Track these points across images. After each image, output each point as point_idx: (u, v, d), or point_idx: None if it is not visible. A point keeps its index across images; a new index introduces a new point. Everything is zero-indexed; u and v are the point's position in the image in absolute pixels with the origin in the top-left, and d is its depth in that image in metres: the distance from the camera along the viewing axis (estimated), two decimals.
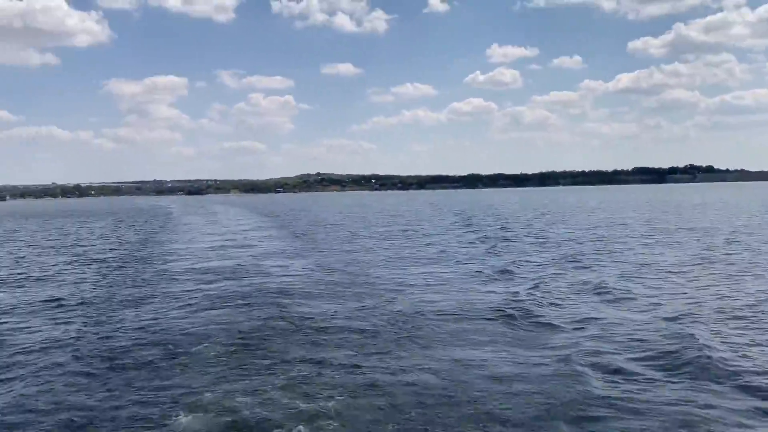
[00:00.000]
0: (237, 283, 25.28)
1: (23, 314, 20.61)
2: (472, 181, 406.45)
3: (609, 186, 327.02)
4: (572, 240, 41.61)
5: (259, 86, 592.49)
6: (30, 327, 18.62)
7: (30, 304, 22.43)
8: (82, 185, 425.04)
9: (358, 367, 13.56)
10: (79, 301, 22.70)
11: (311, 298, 21.95)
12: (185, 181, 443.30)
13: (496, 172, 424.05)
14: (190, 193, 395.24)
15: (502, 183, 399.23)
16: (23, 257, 39.80)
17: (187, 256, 36.74)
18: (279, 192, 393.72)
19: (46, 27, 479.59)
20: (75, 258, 38.50)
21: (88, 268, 32.57)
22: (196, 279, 27.12)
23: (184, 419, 10.84)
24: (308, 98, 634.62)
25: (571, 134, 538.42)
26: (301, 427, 10.42)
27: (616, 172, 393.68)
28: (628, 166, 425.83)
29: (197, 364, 14.13)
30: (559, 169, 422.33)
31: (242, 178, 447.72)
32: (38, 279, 29.01)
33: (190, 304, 21.10)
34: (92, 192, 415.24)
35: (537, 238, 43.84)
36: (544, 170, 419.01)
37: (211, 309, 20.19)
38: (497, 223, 59.77)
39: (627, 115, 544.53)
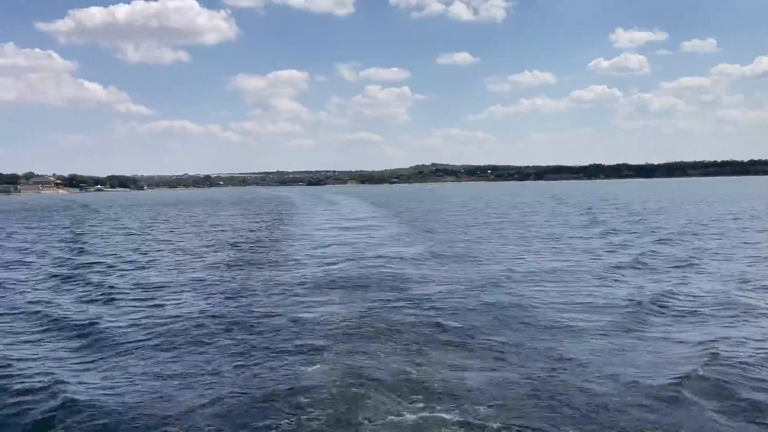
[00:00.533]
0: (355, 267, 26.96)
1: (172, 291, 23.29)
2: (594, 171, 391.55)
3: (744, 177, 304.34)
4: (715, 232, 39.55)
5: (376, 78, 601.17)
6: (179, 300, 21.17)
7: (175, 282, 25.14)
8: (212, 176, 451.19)
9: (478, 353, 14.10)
10: (218, 279, 25.27)
11: (428, 282, 22.97)
12: (305, 172, 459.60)
13: (620, 162, 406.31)
14: (309, 183, 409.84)
15: (626, 174, 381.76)
16: (168, 240, 44.26)
17: (309, 241, 39.32)
18: (394, 183, 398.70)
19: (179, 26, 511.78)
20: (213, 241, 42.48)
21: (224, 251, 35.74)
22: (317, 262, 29.21)
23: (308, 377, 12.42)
24: (424, 89, 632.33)
25: (702, 122, 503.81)
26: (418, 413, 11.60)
27: (752, 162, 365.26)
28: (766, 155, 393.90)
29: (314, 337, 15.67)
30: (688, 159, 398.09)
31: (359, 169, 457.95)
32: (182, 261, 32.40)
33: (308, 286, 23.09)
34: (221, 182, 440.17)
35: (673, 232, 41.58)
36: (671, 160, 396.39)
37: (331, 291, 21.92)
38: (630, 218, 57.58)
39: (766, 101, 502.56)
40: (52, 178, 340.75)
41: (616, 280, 23.23)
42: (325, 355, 14.24)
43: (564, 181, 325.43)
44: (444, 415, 10.70)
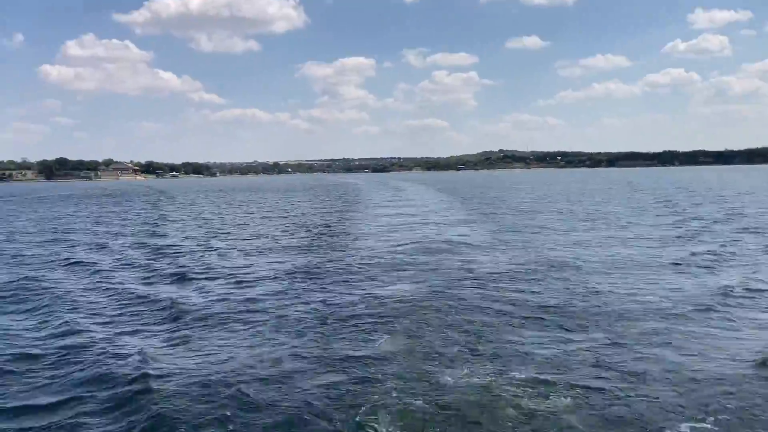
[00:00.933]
0: (422, 249, 27.69)
1: (250, 271, 24.20)
2: (668, 158, 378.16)
3: None
4: None
5: (443, 63, 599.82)
6: (256, 280, 22.11)
7: (254, 264, 26.12)
8: (280, 163, 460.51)
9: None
10: (292, 260, 26.29)
11: (495, 264, 23.26)
12: (370, 159, 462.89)
13: (696, 149, 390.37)
14: (374, 170, 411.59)
15: (702, 161, 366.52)
16: (245, 224, 46.17)
17: (377, 224, 40.25)
18: (460, 169, 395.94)
19: (250, 15, 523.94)
20: (288, 224, 44.27)
21: (298, 234, 37.17)
22: (386, 245, 29.96)
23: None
24: (492, 74, 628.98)
25: None
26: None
27: None
28: None
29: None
30: None
31: (424, 156, 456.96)
32: (259, 243, 33.67)
33: (378, 265, 24.00)
34: (289, 169, 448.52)
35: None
36: (752, 146, 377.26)
37: (400, 271, 22.62)
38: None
39: None
40: (130, 165, 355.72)
41: (694, 270, 22.61)
42: (397, 327, 15.03)
43: (637, 168, 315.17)
44: (514, 374, 11.75)
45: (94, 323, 16.87)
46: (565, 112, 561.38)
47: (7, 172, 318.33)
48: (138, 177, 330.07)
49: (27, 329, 16.48)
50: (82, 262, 27.94)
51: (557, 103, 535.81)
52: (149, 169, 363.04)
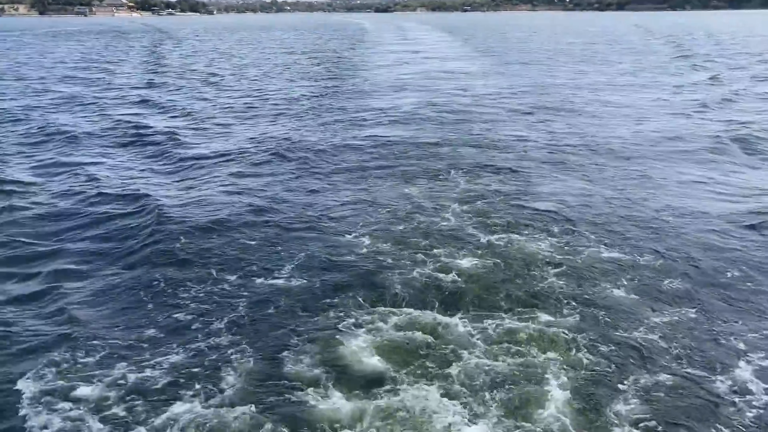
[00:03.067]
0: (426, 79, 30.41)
1: (254, 114, 25.19)
2: (679, 1, 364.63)
3: None
4: None
5: None
6: (260, 123, 23.22)
7: (258, 106, 26.95)
8: (278, 1, 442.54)
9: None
10: (298, 102, 27.69)
11: (502, 117, 23.91)
12: None
13: None
14: (377, 10, 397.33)
15: (715, 5, 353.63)
16: (254, 64, 48.58)
17: (384, 62, 43.31)
18: (466, 11, 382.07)
19: None
20: (295, 64, 46.44)
21: (305, 74, 39.04)
22: (393, 88, 31.76)
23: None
24: None
25: None
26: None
27: None
28: None
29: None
30: None
31: None
32: (268, 83, 36.94)
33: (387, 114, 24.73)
34: (288, 8, 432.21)
35: None
36: None
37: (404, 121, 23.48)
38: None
39: None
40: (125, 1, 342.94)
41: (705, 114, 23.55)
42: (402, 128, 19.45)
43: (647, 12, 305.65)
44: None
45: (97, 160, 17.56)
46: None
47: None
48: (134, 14, 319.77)
49: (31, 165, 17.18)
50: (86, 101, 28.43)
51: None
52: (145, 5, 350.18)
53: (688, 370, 7.62)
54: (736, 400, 7.10)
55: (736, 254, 10.88)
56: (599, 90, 30.90)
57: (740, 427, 6.68)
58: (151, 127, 21.95)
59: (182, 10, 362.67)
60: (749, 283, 9.84)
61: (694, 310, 8.99)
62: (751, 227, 12.03)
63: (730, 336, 8.36)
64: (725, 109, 24.75)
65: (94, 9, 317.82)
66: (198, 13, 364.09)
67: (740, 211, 12.94)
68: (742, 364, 7.74)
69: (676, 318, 8.84)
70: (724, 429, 6.65)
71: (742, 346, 8.14)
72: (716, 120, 22.43)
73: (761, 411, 6.90)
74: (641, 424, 6.75)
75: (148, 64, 46.75)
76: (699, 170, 16.08)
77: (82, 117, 24.85)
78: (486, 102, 27.19)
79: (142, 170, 16.67)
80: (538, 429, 6.65)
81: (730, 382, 7.38)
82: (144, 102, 28.26)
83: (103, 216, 13.01)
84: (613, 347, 8.10)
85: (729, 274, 10.13)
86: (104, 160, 17.87)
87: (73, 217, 13.02)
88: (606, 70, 39.92)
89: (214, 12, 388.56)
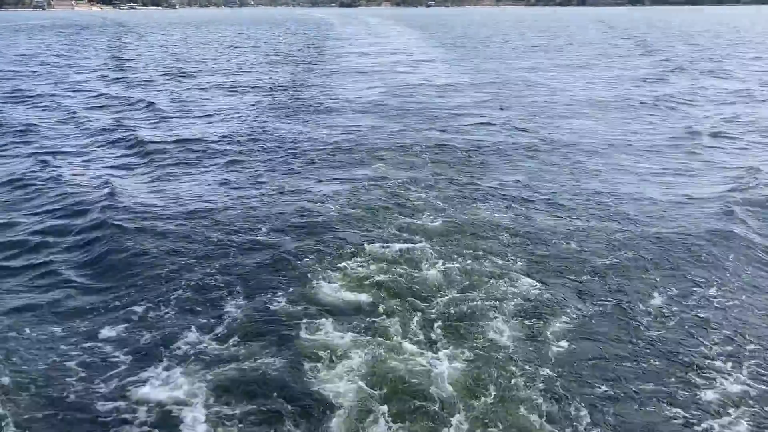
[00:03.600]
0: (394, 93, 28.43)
1: (215, 108, 24.95)
2: None
3: None
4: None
5: None
6: (220, 117, 22.92)
7: (221, 100, 26.80)
8: None
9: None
10: (261, 97, 27.23)
11: (465, 106, 24.59)
12: None
13: None
14: (342, 5, 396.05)
15: (672, 1, 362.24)
16: (218, 58, 49.16)
17: (353, 63, 43.66)
18: (430, 6, 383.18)
19: None
20: (260, 58, 46.37)
21: (269, 69, 38.92)
22: (358, 78, 33.23)
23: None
24: None
25: None
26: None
27: None
28: None
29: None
30: None
31: None
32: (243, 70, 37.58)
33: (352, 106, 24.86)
34: (251, 2, 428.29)
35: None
36: None
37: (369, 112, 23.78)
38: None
39: None
40: None
41: (665, 110, 24.06)
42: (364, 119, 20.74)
43: (608, 8, 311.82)
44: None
45: (59, 157, 17.15)
46: None
47: None
48: (94, 7, 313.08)
49: None
50: (45, 95, 28.10)
51: None
52: None
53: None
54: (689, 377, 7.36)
55: (683, 236, 11.29)
56: (559, 81, 32.22)
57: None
58: (108, 122, 21.93)
59: (144, 4, 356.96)
60: (694, 260, 10.34)
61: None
62: (701, 210, 12.64)
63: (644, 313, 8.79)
64: (684, 102, 25.75)
65: (52, 2, 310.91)
66: (160, 7, 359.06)
67: (691, 196, 13.54)
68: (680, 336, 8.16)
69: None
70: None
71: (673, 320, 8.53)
72: (675, 113, 23.46)
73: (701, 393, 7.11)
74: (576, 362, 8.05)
75: (107, 59, 46.39)
76: (655, 162, 16.54)
77: (36, 111, 24.78)
78: (449, 93, 28.26)
79: (98, 164, 16.59)
80: (481, 343, 7.98)
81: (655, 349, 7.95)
82: (101, 96, 28.16)
83: (53, 208, 12.95)
84: (553, 282, 9.57)
85: (673, 254, 10.55)
86: (58, 153, 17.72)
87: (22, 209, 12.98)
88: (567, 63, 41.57)
89: (177, 6, 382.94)
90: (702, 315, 8.73)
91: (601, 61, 43.56)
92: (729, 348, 7.94)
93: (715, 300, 9.13)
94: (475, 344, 7.97)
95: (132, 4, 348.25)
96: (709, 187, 14.20)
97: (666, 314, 8.72)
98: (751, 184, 13.99)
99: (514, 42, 63.24)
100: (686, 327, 8.42)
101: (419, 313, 8.65)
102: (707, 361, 7.65)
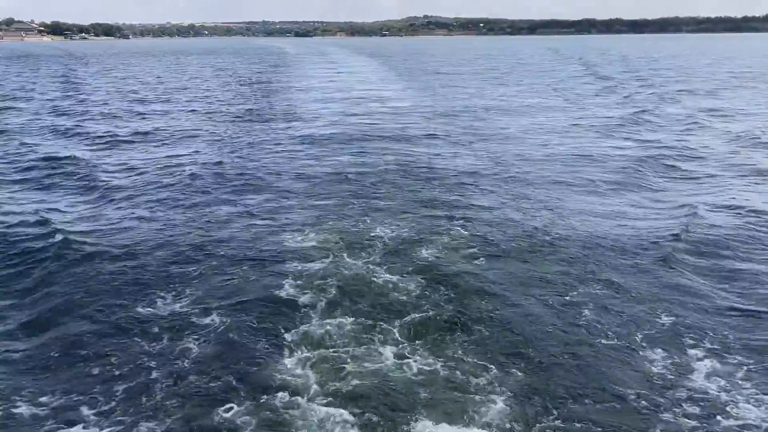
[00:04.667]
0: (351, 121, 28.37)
1: (171, 139, 24.44)
2: (586, 26, 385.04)
3: (736, 34, 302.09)
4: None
5: None
6: (176, 149, 22.49)
7: (175, 131, 26.19)
8: (196, 25, 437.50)
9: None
10: (217, 128, 26.63)
11: (424, 140, 23.96)
12: (292, 22, 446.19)
13: (612, 17, 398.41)
14: (297, 34, 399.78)
15: (618, 29, 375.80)
16: (174, 89, 49.08)
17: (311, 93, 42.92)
18: (385, 35, 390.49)
19: None
20: (216, 90, 45.33)
21: (226, 100, 37.90)
22: (317, 112, 31.55)
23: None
24: None
25: None
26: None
27: (745, 19, 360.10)
28: (760, 12, 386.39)
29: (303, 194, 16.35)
30: (682, 14, 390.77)
31: (348, 21, 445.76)
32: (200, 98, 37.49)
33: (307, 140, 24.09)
34: (206, 32, 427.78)
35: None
36: (665, 15, 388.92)
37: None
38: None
39: None
40: (34, 25, 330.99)
41: (615, 136, 24.53)
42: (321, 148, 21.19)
43: (557, 36, 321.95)
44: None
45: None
46: None
47: None
48: (45, 38, 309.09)
49: None
50: None
51: None
52: (56, 30, 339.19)
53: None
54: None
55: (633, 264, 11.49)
56: (511, 110, 32.46)
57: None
58: (59, 154, 21.37)
59: (96, 35, 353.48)
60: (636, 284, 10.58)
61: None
62: (650, 235, 12.87)
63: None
64: (634, 128, 26.26)
65: (1, 33, 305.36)
66: (113, 38, 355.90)
67: (642, 225, 13.63)
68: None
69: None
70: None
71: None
72: (625, 139, 23.80)
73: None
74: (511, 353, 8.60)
75: (57, 90, 45.34)
76: (606, 190, 16.61)
77: None
78: (402, 121, 28.46)
79: (47, 198, 16.16)
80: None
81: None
82: (52, 128, 27.54)
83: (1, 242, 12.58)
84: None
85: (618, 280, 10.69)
86: (5, 186, 17.37)
87: None
88: (517, 91, 42.37)
89: (130, 36, 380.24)
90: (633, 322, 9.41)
91: (551, 88, 44.67)
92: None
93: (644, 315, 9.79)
94: (438, 350, 8.50)
95: (83, 34, 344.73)
96: (652, 220, 14.08)
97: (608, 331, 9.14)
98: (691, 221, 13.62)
99: (465, 71, 64.89)
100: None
101: (382, 322, 9.19)
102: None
